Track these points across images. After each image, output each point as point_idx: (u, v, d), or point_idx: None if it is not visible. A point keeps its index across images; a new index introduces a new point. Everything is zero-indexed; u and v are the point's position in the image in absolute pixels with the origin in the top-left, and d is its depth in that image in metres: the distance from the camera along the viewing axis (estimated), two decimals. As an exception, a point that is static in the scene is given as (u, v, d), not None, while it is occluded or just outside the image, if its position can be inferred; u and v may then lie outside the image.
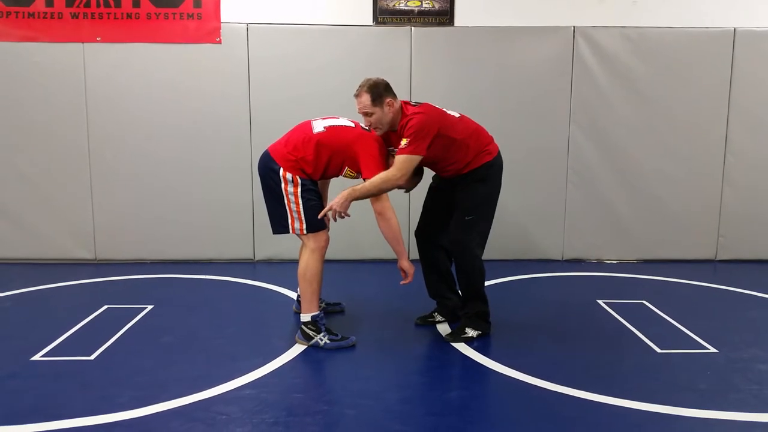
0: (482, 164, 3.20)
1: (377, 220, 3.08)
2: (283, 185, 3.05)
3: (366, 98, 3.04)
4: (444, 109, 3.20)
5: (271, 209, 3.16)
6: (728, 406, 2.52)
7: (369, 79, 3.08)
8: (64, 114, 4.70)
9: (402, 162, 3.00)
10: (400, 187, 3.31)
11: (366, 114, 3.06)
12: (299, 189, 3.05)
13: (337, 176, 3.24)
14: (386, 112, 3.06)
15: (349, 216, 3.02)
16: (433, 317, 3.54)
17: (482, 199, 3.24)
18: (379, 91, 3.04)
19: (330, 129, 3.12)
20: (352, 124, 3.18)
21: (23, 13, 4.56)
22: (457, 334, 3.27)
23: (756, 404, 2.55)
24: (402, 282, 3.20)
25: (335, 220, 3.02)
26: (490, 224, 3.31)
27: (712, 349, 3.13)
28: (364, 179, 3.09)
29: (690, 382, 2.75)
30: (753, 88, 4.82)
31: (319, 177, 3.15)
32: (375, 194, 3.04)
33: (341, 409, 2.51)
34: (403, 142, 3.01)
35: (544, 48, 4.75)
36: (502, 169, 3.32)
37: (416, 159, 3.02)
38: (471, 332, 3.26)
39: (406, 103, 3.18)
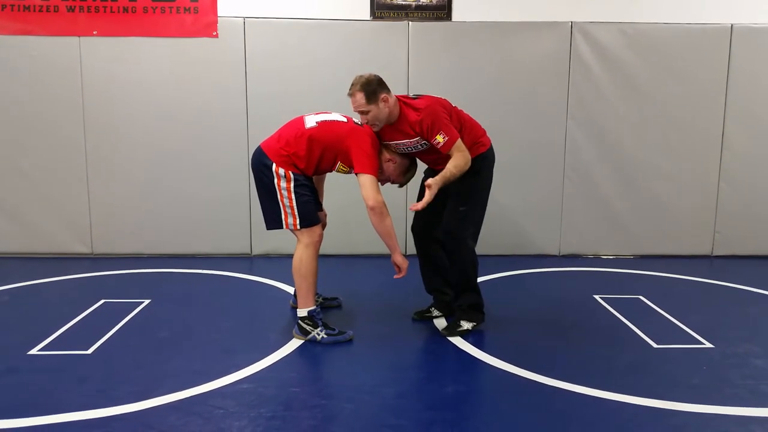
0: (476, 156, 3.22)
1: (369, 215, 3.06)
2: (276, 181, 3.05)
3: (360, 97, 3.03)
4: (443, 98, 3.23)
5: (265, 205, 3.16)
6: (724, 401, 2.54)
7: (361, 77, 3.07)
8: (60, 108, 4.68)
9: (458, 147, 3.08)
10: (393, 182, 3.34)
11: (362, 113, 3.07)
12: (292, 184, 3.05)
13: (331, 171, 3.24)
14: (381, 108, 3.06)
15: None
16: (430, 312, 3.56)
17: (476, 190, 3.27)
18: (372, 88, 3.03)
19: (322, 124, 3.12)
20: (345, 119, 3.18)
21: (19, 6, 4.54)
22: (453, 328, 3.29)
23: (751, 399, 2.56)
24: (395, 276, 3.20)
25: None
26: (483, 217, 3.35)
27: (708, 345, 3.15)
28: (356, 174, 3.08)
29: (686, 377, 2.77)
30: (750, 85, 4.83)
31: (312, 172, 3.14)
32: (457, 176, 3.08)
33: (338, 403, 2.51)
34: (440, 138, 3.05)
35: (542, 43, 4.74)
36: (494, 163, 3.36)
37: (460, 141, 3.09)
38: (466, 325, 3.29)
39: (405, 96, 3.18)
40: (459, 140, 3.08)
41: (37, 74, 4.64)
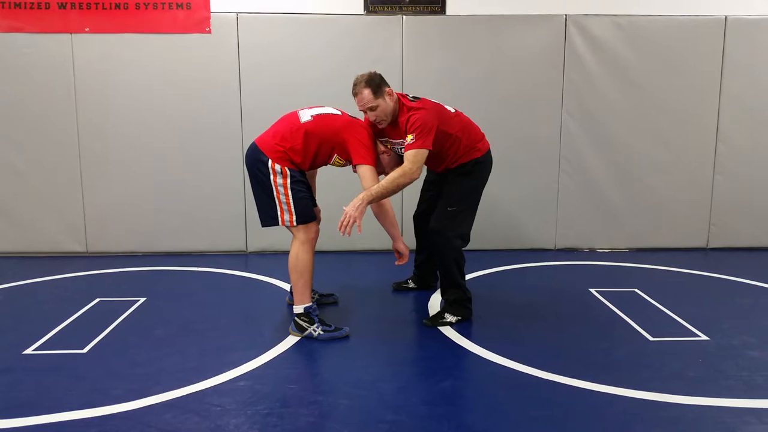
0: (470, 160, 3.28)
1: (371, 205, 3.08)
2: (272, 177, 3.04)
3: (367, 92, 3.04)
4: (441, 104, 3.24)
5: (260, 202, 3.15)
6: (719, 393, 2.55)
7: (362, 75, 3.08)
8: (53, 105, 4.66)
9: (414, 156, 3.01)
10: (386, 176, 3.34)
11: (370, 109, 3.07)
12: (288, 180, 3.04)
13: (326, 165, 3.24)
14: (388, 102, 3.08)
15: (359, 231, 2.92)
16: (407, 284, 3.91)
17: (466, 192, 3.31)
18: (376, 82, 3.05)
19: (317, 117, 3.11)
20: (339, 112, 3.18)
21: (9, 3, 4.50)
22: (436, 319, 3.34)
23: (746, 390, 2.57)
24: (396, 263, 3.27)
25: (349, 233, 2.87)
26: (472, 218, 3.39)
27: (704, 337, 3.16)
28: (353, 165, 3.09)
29: (681, 370, 2.78)
30: (744, 77, 4.83)
31: (308, 167, 3.14)
32: (393, 191, 3.00)
33: (335, 399, 2.51)
34: (409, 138, 3.03)
35: (536, 36, 4.73)
36: (491, 168, 3.41)
37: (425, 153, 3.04)
38: (450, 317, 3.33)
39: (403, 96, 3.19)
40: (424, 152, 3.03)
41: (29, 71, 4.61)
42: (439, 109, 3.17)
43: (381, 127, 3.17)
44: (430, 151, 3.08)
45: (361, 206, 2.90)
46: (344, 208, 2.91)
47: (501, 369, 2.80)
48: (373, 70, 3.12)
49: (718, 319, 3.41)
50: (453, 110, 3.28)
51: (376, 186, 2.97)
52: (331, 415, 2.39)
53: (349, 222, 2.86)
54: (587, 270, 4.51)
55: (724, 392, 2.56)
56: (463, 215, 3.30)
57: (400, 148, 3.21)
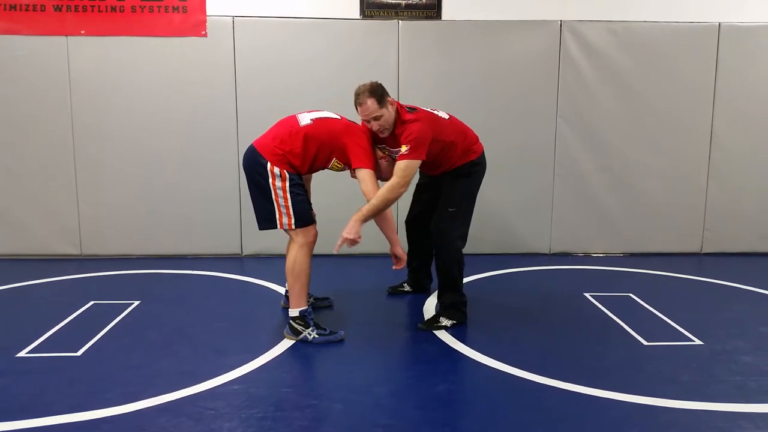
0: (467, 162, 3.32)
1: None
2: (270, 180, 3.04)
3: (371, 102, 3.04)
4: (435, 111, 3.28)
5: (258, 205, 3.15)
6: (712, 397, 2.56)
7: (365, 85, 3.09)
8: (48, 108, 4.65)
9: (403, 168, 3.05)
10: (385, 179, 3.35)
11: (375, 118, 3.07)
12: (287, 184, 3.04)
13: (324, 169, 3.24)
14: (391, 112, 3.11)
15: (359, 241, 3.06)
16: (403, 287, 3.92)
17: (465, 193, 3.35)
18: (380, 92, 3.07)
19: (317, 121, 3.12)
20: (338, 116, 3.19)
21: (5, 5, 4.49)
22: (431, 323, 3.34)
23: (739, 395, 2.58)
24: (394, 267, 3.30)
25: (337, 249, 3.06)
26: (470, 219, 3.42)
27: (697, 341, 3.17)
28: (353, 169, 3.10)
29: (675, 374, 2.79)
30: (738, 84, 4.86)
31: (306, 170, 3.14)
32: (383, 208, 3.09)
33: (330, 403, 2.51)
34: (404, 148, 3.06)
35: (532, 42, 4.75)
36: (485, 170, 3.44)
37: (417, 164, 3.09)
38: (445, 321, 3.34)
39: (400, 106, 3.20)
40: (416, 163, 3.07)
41: (25, 74, 4.60)
42: (433, 119, 3.19)
43: (383, 137, 3.18)
44: (427, 158, 3.12)
45: (356, 228, 3.02)
46: (343, 234, 3.01)
47: (496, 373, 2.80)
48: (374, 80, 3.13)
49: (712, 324, 3.42)
50: (447, 116, 3.31)
51: (366, 206, 3.05)
52: (326, 419, 2.38)
53: (346, 244, 3.01)
54: (582, 274, 4.52)
55: (718, 397, 2.56)
56: (462, 215, 3.34)
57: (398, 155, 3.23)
